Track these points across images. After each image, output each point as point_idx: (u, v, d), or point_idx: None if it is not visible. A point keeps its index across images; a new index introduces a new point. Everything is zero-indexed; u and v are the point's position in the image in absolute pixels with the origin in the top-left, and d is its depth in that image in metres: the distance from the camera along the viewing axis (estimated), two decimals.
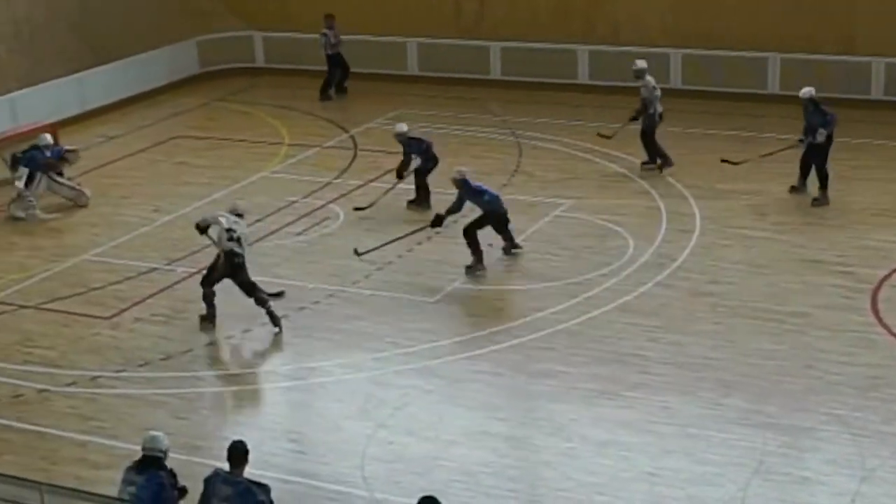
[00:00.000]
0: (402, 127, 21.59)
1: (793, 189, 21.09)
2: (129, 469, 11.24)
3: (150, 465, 11.13)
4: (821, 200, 20.55)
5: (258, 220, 20.91)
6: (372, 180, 22.77)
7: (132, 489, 11.07)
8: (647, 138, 22.50)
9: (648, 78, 22.41)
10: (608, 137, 23.23)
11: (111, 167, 24.27)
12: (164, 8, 29.63)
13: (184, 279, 18.74)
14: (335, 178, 23.10)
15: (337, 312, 17.49)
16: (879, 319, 16.53)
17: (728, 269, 18.34)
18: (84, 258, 19.85)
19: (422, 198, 21.13)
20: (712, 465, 13.39)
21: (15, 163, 21.89)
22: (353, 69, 28.72)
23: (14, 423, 14.89)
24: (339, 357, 16.25)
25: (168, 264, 19.37)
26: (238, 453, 11.13)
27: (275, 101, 28.72)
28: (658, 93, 22.36)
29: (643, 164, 22.54)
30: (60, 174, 22.02)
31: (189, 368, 16.12)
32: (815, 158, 20.70)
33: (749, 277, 18.02)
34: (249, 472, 12.67)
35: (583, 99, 27.33)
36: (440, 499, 10.40)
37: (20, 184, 21.51)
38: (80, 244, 20.44)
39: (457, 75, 28.88)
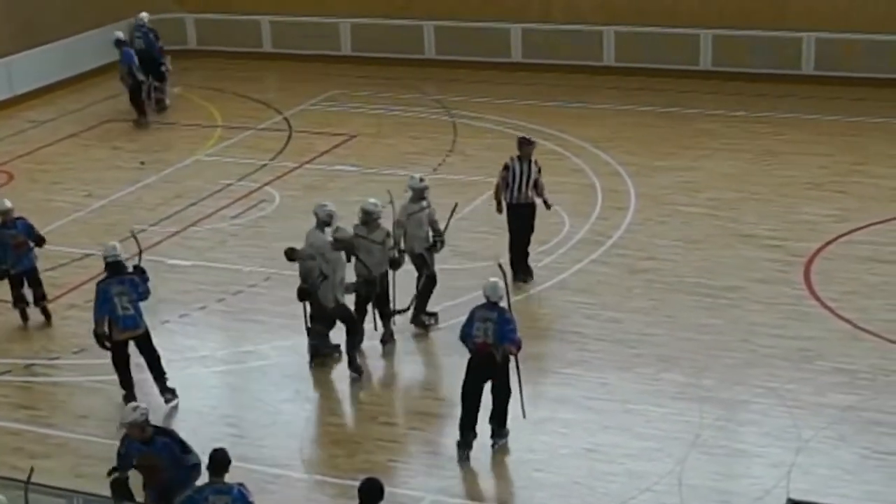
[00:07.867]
0: None
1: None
2: None
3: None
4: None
5: (192, 204, 20.78)
6: (307, 162, 22.67)
7: None
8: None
9: None
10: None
11: (42, 152, 23.94)
12: None
13: None
14: (270, 160, 22.99)
15: (274, 295, 17.38)
16: (812, 292, 16.71)
17: (663, 246, 18.46)
18: None
19: None
20: (650, 440, 13.49)
21: None
22: (285, 50, 28.63)
23: None
24: (277, 340, 16.19)
25: None
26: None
27: (207, 83, 28.48)
28: None
29: None
30: None
31: None
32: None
33: (684, 253, 18.15)
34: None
35: (514, 77, 27.42)
36: (382, 480, 10.41)
37: None
38: None
39: (390, 55, 28.79)
